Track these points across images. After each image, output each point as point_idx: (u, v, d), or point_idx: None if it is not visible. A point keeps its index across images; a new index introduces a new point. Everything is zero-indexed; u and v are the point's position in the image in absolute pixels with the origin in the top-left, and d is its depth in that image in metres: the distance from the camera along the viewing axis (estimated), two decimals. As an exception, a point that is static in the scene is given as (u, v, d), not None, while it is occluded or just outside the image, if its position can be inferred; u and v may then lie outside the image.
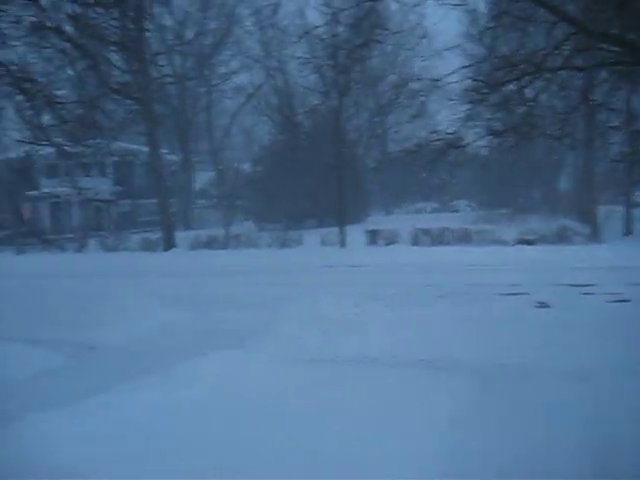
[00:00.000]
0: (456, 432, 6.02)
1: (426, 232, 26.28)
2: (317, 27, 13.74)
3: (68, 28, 15.55)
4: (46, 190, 26.99)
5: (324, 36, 14.01)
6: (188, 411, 6.72)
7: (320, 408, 6.58)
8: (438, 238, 25.79)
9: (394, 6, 14.56)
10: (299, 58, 19.72)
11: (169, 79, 44.78)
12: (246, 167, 48.33)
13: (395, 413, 6.41)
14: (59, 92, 17.60)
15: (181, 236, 33.47)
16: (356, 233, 27.97)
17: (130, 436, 6.00)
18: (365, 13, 10.88)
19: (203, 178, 60.63)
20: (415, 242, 26.13)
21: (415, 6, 12.21)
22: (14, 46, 14.72)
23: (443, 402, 6.79)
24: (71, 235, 39.95)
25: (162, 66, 43.56)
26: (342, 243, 27.81)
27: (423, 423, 6.17)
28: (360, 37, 10.85)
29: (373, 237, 27.25)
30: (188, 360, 8.68)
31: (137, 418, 6.51)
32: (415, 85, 29.74)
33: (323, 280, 18.01)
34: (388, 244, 26.34)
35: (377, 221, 41.49)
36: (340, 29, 16.49)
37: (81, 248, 34.19)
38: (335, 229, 28.99)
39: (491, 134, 12.23)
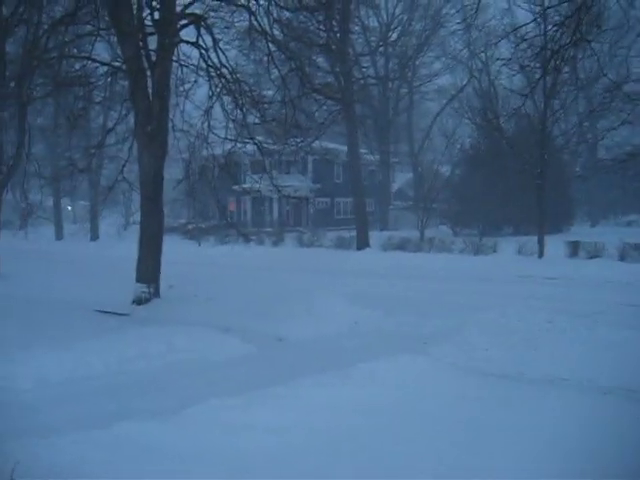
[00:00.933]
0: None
1: (637, 247, 24.08)
2: (522, 26, 13.00)
3: (276, 32, 16.28)
4: (249, 185, 28.48)
5: (530, 35, 13.28)
6: (363, 412, 6.64)
7: (497, 428, 6.18)
8: (651, 254, 23.49)
9: (610, 1, 13.39)
10: (503, 59, 18.96)
11: (371, 80, 45.37)
12: (445, 170, 47.66)
13: (584, 448, 5.78)
14: (264, 93, 18.53)
15: (375, 236, 33.76)
16: (556, 244, 26.42)
17: (295, 431, 6.03)
18: (575, 10, 10.11)
19: (401, 179, 60.83)
20: (622, 257, 24.04)
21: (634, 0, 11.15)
22: (225, 50, 15.61)
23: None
24: (270, 229, 42.02)
25: (365, 67, 44.31)
26: (540, 253, 26.41)
27: (616, 464, 5.54)
28: (569, 36, 10.10)
29: (574, 249, 25.52)
30: (370, 361, 8.65)
31: (312, 413, 6.55)
32: (631, 87, 27.46)
33: (516, 291, 17.16)
34: (591, 257, 24.52)
35: (580, 232, 38.96)
36: (548, 27, 15.63)
37: (279, 242, 35.77)
38: (533, 238, 27.59)
39: None
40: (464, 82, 48.91)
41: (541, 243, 26.64)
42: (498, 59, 33.98)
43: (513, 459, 5.50)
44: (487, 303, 13.10)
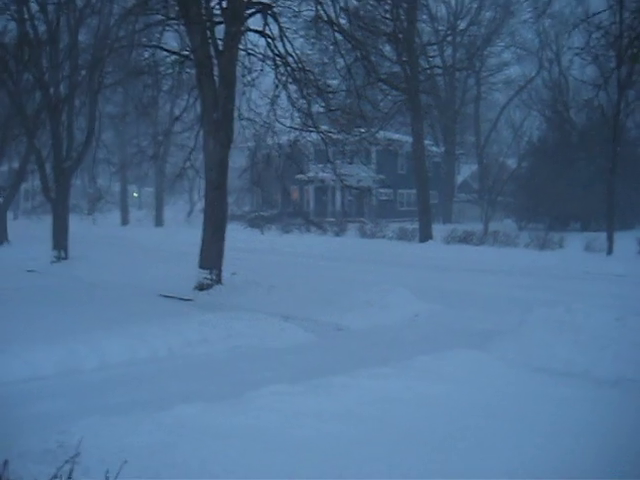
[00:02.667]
0: None
1: None
2: (597, 13, 12.59)
3: (342, 21, 16.20)
4: (312, 174, 28.58)
5: (605, 23, 12.78)
6: (420, 404, 6.57)
7: (558, 428, 6.00)
8: None
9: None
10: (576, 48, 18.39)
11: (438, 70, 44.77)
12: (511, 163, 46.72)
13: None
14: (330, 82, 18.50)
15: (438, 228, 33.38)
16: (626, 240, 25.53)
17: (353, 420, 6.01)
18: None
19: (466, 171, 59.94)
20: (698, 255, 23.09)
21: None
22: (292, 39, 15.62)
23: None
24: (332, 219, 42.05)
25: (432, 57, 43.74)
26: (609, 250, 25.61)
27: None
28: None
29: (646, 245, 24.65)
30: (429, 354, 8.57)
31: (370, 404, 6.52)
32: None
33: (582, 287, 16.70)
34: (664, 255, 23.66)
35: (654, 229, 37.63)
36: (625, 14, 15.04)
37: (341, 232, 35.78)
38: (602, 234, 26.75)
39: None
40: (533, 73, 47.70)
41: (610, 239, 25.81)
42: (570, 48, 33.12)
43: (583, 459, 5.34)
44: (552, 299, 12.79)
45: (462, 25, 48.37)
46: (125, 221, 50.39)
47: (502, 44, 50.43)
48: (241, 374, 8.51)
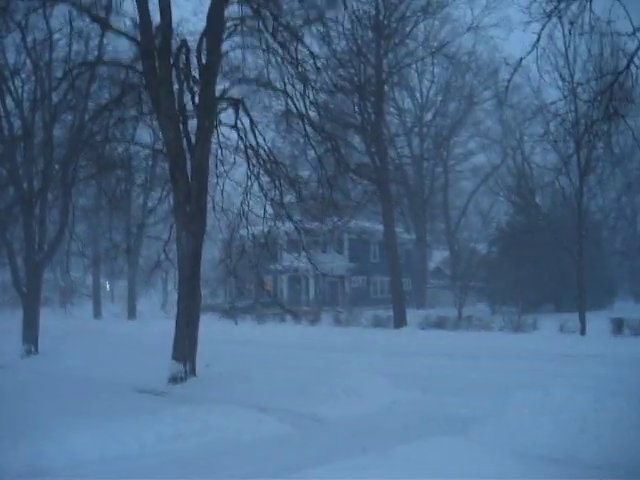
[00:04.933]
0: None
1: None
2: (553, 103, 13.18)
3: (312, 114, 16.71)
4: (286, 264, 28.69)
5: (562, 111, 13.41)
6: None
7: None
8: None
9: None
10: (537, 136, 19.24)
11: (407, 160, 46.00)
12: (482, 247, 47.47)
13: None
14: (301, 173, 18.87)
15: (412, 314, 33.41)
16: (599, 320, 25.78)
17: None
18: (608, 85, 10.20)
19: (437, 257, 60.63)
20: (670, 335, 23.33)
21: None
22: (263, 131, 16.03)
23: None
24: (307, 308, 41.89)
25: (400, 147, 45.02)
26: (582, 331, 25.80)
27: None
28: (602, 111, 10.15)
29: (619, 326, 24.87)
30: (409, 443, 8.40)
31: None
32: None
33: (559, 369, 16.68)
34: (636, 334, 23.85)
35: (624, 308, 38.04)
36: (579, 103, 15.79)
37: (315, 321, 35.59)
38: (574, 315, 27.01)
39: None
40: (498, 161, 49.22)
41: (583, 320, 26.07)
42: (531, 136, 34.35)
43: None
44: (530, 382, 12.72)
45: (428, 116, 50.23)
46: (98, 314, 49.71)
47: (467, 134, 52.35)
48: (217, 470, 8.23)
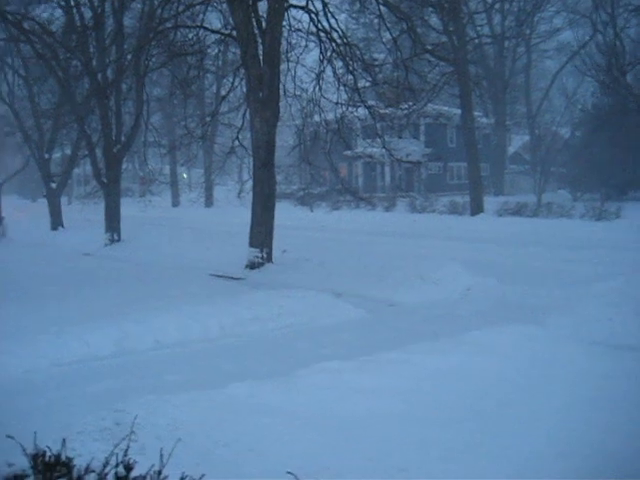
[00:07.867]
0: None
1: None
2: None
3: (388, -9, 15.89)
4: (360, 150, 28.31)
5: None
6: (473, 380, 6.46)
7: (608, 404, 5.81)
8: None
9: None
10: (632, 6, 17.63)
11: (486, 39, 43.76)
12: (564, 132, 45.49)
13: None
14: (376, 56, 18.22)
15: (490, 201, 32.79)
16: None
17: (405, 396, 5.93)
18: None
19: (517, 142, 58.63)
20: None
21: None
22: (335, 13, 15.40)
23: None
24: (382, 194, 41.73)
25: (480, 26, 42.73)
26: (671, 218, 24.75)
27: None
28: None
29: None
30: (482, 329, 8.41)
31: (423, 380, 6.43)
32: None
33: (641, 258, 16.16)
34: None
35: None
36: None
37: (390, 207, 35.48)
38: (662, 202, 25.91)
39: None
40: (587, 37, 46.09)
41: (671, 207, 24.94)
42: (626, 7, 31.86)
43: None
44: (610, 271, 12.39)
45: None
46: (176, 203, 51.01)
47: (553, 9, 48.80)
48: (292, 352, 8.52)
